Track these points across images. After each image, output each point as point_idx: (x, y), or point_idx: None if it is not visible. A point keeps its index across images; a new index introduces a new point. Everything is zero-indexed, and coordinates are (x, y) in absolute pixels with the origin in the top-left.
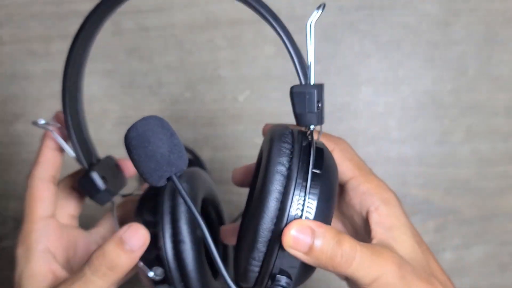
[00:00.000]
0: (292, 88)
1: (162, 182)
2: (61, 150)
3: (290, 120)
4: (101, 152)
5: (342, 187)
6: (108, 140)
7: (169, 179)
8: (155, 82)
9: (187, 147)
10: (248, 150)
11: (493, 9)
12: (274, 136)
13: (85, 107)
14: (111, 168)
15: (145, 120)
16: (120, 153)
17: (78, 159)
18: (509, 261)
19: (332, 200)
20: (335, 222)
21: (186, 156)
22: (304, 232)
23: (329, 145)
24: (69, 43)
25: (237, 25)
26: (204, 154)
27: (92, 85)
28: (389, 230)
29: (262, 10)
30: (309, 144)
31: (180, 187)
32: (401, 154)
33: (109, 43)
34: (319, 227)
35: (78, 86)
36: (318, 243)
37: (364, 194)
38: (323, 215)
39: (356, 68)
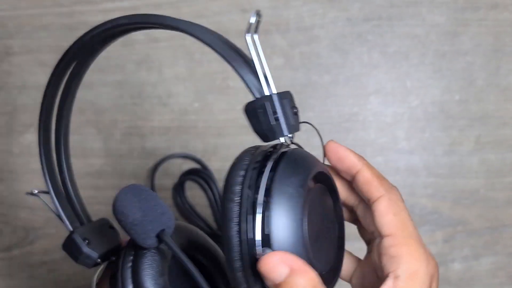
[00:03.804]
0: (245, 106)
1: (151, 242)
2: None
3: (302, 131)
4: (111, 161)
5: (374, 240)
6: (117, 150)
7: (158, 236)
8: (164, 92)
9: (194, 157)
10: None
11: (502, 19)
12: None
13: (95, 118)
14: (101, 228)
15: (118, 194)
16: (128, 163)
17: (62, 220)
18: None
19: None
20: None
21: (170, 214)
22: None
23: (379, 191)
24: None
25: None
26: (213, 165)
27: (102, 96)
28: None
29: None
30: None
31: (170, 242)
32: (410, 164)
33: (119, 54)
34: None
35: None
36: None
37: (392, 258)
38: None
39: (365, 78)
